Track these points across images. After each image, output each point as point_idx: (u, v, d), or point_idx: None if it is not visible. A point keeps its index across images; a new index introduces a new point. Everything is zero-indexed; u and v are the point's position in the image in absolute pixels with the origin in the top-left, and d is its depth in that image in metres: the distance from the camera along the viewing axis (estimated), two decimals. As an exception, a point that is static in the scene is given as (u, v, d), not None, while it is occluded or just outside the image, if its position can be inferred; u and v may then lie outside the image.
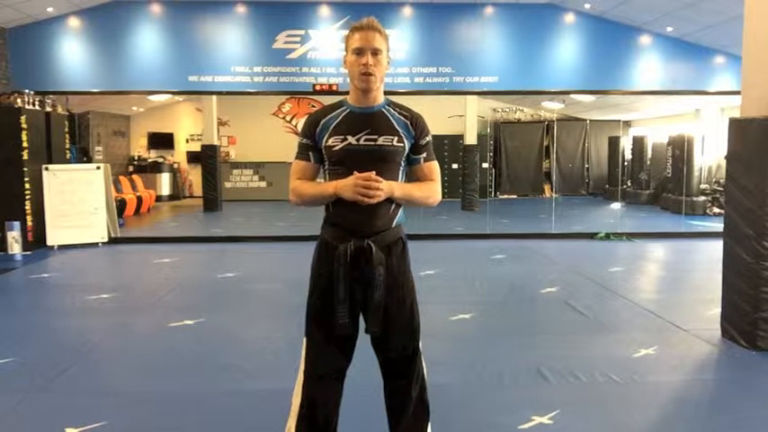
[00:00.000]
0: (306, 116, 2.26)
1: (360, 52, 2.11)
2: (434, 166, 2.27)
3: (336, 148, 2.13)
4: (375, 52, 2.11)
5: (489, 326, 4.69)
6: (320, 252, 2.21)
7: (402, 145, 2.17)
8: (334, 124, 2.16)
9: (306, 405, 2.20)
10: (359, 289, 2.14)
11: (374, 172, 2.05)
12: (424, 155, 2.24)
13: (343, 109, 2.19)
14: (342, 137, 2.13)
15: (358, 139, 2.13)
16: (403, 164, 2.22)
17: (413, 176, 2.27)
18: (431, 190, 2.24)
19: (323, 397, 2.21)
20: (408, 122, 2.20)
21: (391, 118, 2.19)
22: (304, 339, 2.22)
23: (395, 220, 2.19)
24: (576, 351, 3.98)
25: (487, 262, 7.34)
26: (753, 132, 4.02)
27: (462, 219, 11.73)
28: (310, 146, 2.21)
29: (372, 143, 2.13)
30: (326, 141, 2.15)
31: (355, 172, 2.05)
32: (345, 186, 2.06)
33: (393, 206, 2.16)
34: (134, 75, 9.27)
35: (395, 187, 2.11)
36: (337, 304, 2.10)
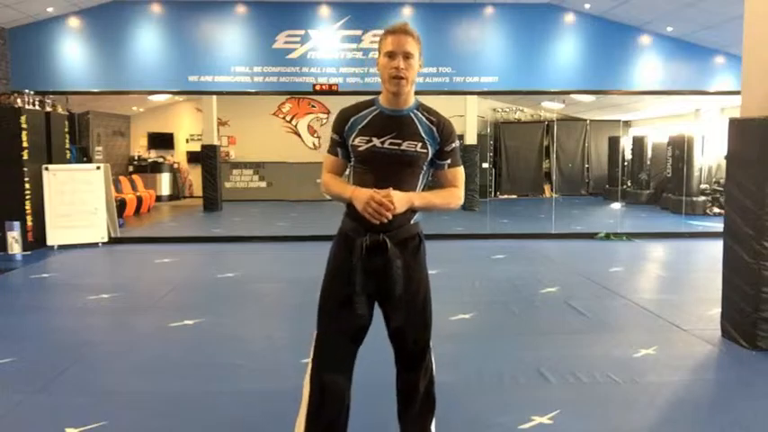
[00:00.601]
0: (338, 111, 2.31)
1: (392, 55, 2.15)
2: (458, 173, 2.30)
3: (361, 148, 2.20)
4: (407, 56, 2.14)
5: (489, 326, 4.69)
6: (339, 244, 2.27)
7: (425, 151, 2.21)
8: (362, 124, 2.22)
9: (317, 397, 2.23)
10: (374, 281, 2.19)
11: (391, 188, 2.10)
12: (449, 161, 2.27)
13: (373, 108, 2.24)
14: (367, 138, 2.19)
15: (383, 142, 2.18)
16: (425, 168, 2.26)
17: (436, 181, 2.32)
18: (452, 196, 2.28)
19: (333, 388, 2.24)
20: (435, 128, 2.23)
21: (418, 123, 2.22)
22: (315, 332, 2.27)
23: (412, 219, 2.24)
24: (576, 351, 3.98)
25: (488, 262, 7.34)
26: (753, 132, 4.02)
27: (462, 219, 11.71)
28: (339, 142, 2.28)
29: (396, 147, 2.18)
30: (353, 140, 2.21)
31: (373, 191, 2.09)
32: (359, 199, 2.12)
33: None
34: (134, 75, 9.27)
35: (414, 198, 2.17)
36: (354, 296, 2.17)
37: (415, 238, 2.25)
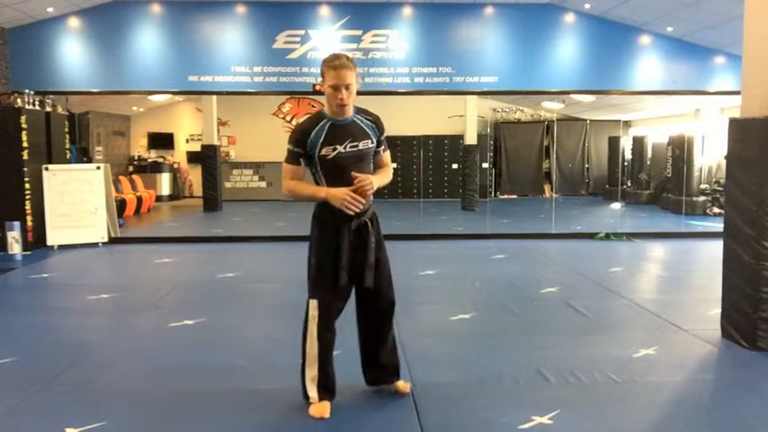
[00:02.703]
0: (295, 127, 2.84)
1: (336, 88, 2.76)
2: (389, 154, 3.12)
3: (330, 156, 2.81)
4: (347, 87, 2.77)
5: (489, 326, 4.69)
6: (321, 228, 2.89)
7: (373, 145, 2.95)
8: (323, 138, 2.81)
9: (323, 352, 2.91)
10: (358, 254, 2.87)
11: (353, 173, 2.77)
12: (383, 147, 3.05)
13: (325, 121, 2.84)
14: (332, 147, 2.81)
15: (345, 147, 2.82)
16: (372, 157, 2.98)
17: (375, 163, 3.03)
18: (389, 173, 3.09)
19: (330, 340, 2.95)
20: (374, 125, 2.96)
21: (363, 125, 2.92)
22: (313, 301, 2.88)
23: (371, 200, 2.93)
24: (576, 351, 3.98)
25: (487, 262, 7.34)
26: (753, 132, 4.02)
27: (462, 219, 11.73)
28: (301, 153, 2.85)
29: (355, 148, 2.85)
30: (320, 152, 2.80)
31: (354, 173, 2.78)
32: (335, 197, 2.75)
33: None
34: (134, 75, 9.26)
35: (374, 181, 2.86)
36: (342, 270, 2.81)
37: (374, 215, 2.99)
